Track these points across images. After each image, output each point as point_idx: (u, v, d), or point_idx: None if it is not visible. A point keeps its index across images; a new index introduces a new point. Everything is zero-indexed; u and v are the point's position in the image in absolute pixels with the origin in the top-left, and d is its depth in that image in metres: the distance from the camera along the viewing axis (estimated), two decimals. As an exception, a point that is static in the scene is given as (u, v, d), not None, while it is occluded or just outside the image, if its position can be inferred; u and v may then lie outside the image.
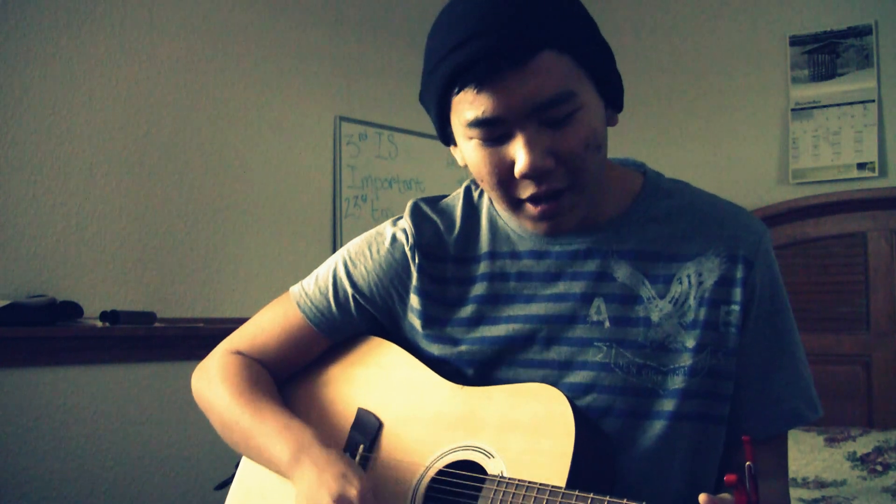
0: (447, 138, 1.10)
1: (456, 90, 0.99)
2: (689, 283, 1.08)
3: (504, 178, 1.02)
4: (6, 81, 2.50)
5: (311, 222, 3.28)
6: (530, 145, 0.98)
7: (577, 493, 0.93)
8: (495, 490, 1.00)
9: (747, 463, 0.80)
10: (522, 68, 0.95)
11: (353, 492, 1.02)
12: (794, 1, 3.51)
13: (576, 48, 0.98)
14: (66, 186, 2.61)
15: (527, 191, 1.02)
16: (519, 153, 0.99)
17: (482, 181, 1.05)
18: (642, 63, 3.80)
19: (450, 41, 0.98)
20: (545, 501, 0.94)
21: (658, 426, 1.05)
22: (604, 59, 1.03)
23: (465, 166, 1.10)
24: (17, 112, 2.52)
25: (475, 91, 0.97)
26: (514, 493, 0.98)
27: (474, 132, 1.01)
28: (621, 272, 1.10)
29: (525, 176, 1.00)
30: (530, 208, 1.04)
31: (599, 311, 1.09)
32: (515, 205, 1.05)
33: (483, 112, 0.98)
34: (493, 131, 1.00)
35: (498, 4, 0.96)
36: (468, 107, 0.99)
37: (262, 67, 3.15)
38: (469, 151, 1.04)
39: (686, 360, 1.06)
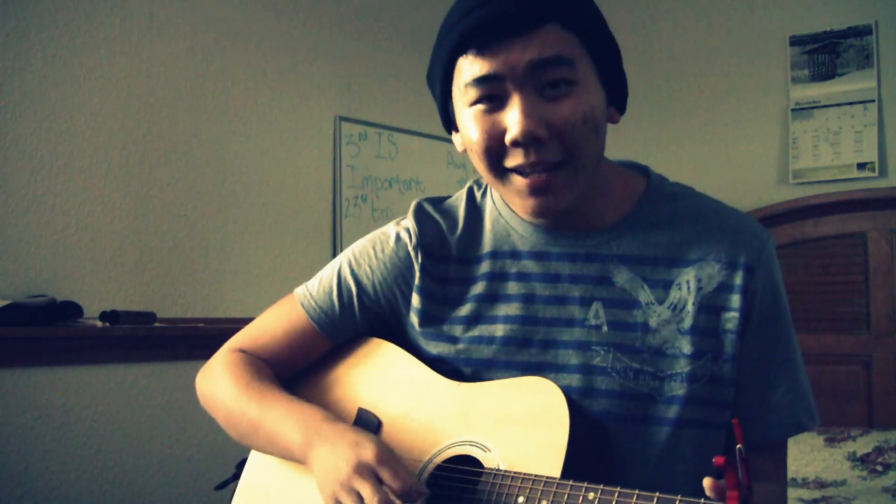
0: (449, 122, 1.11)
1: (462, 54, 1.01)
2: (688, 288, 1.08)
3: (494, 146, 1.03)
4: (6, 81, 2.50)
5: (311, 222, 3.29)
6: (525, 112, 0.99)
7: (571, 482, 0.93)
8: (491, 483, 1.00)
9: (738, 446, 0.80)
10: (527, 36, 0.98)
11: (368, 455, 1.02)
12: (794, 1, 3.51)
13: (582, 28, 1.00)
14: (66, 186, 2.61)
15: (517, 160, 1.02)
16: (512, 119, 1.00)
17: (472, 151, 1.06)
18: (642, 63, 3.80)
19: (459, 11, 1.01)
20: (540, 492, 0.95)
21: (659, 432, 1.05)
22: (610, 51, 1.04)
23: (464, 152, 1.10)
24: (17, 112, 2.52)
25: (478, 53, 1.00)
26: (509, 485, 0.98)
27: (472, 92, 1.02)
28: (621, 277, 1.10)
29: (516, 143, 1.00)
30: (519, 180, 1.03)
31: (598, 314, 1.10)
32: (503, 175, 1.05)
33: (483, 70, 1.00)
34: (491, 89, 1.01)
35: None
36: (469, 68, 1.01)
37: (262, 67, 3.15)
38: (467, 121, 1.05)
39: (684, 366, 1.06)
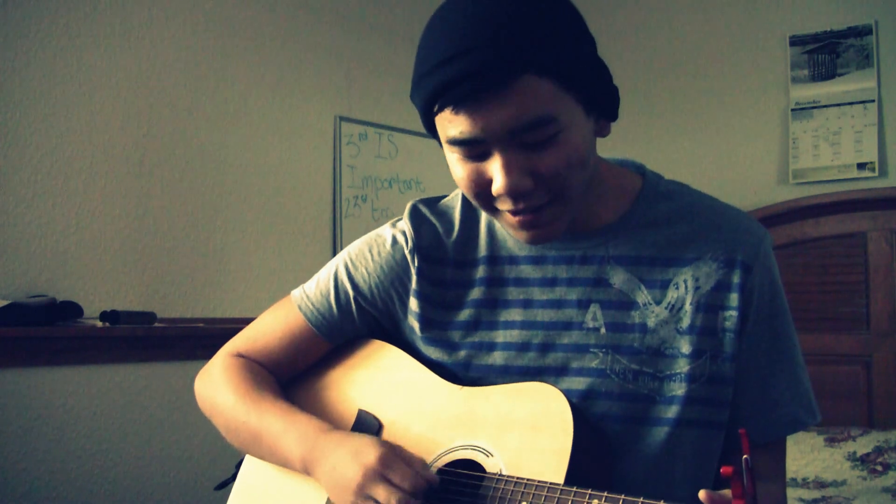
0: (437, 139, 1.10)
1: (436, 108, 0.98)
2: (686, 288, 1.08)
3: (483, 192, 1.02)
4: (6, 81, 2.50)
5: (311, 222, 3.29)
6: (507, 167, 0.97)
7: (575, 488, 0.93)
8: (493, 488, 1.00)
9: (744, 456, 0.80)
10: (501, 92, 0.93)
11: (371, 459, 1.03)
12: (794, 1, 3.51)
13: (558, 71, 0.95)
14: (66, 186, 2.61)
15: (505, 205, 1.01)
16: (496, 174, 0.98)
17: (463, 190, 1.06)
18: (642, 63, 3.80)
19: (433, 57, 0.96)
20: (543, 498, 0.95)
21: (658, 432, 1.05)
22: (591, 77, 0.99)
23: None
24: (17, 112, 2.52)
25: (454, 112, 0.96)
26: (512, 491, 0.98)
27: (454, 148, 1.00)
28: (617, 278, 1.10)
29: (501, 196, 0.99)
30: (510, 218, 1.03)
31: (595, 317, 1.09)
32: (495, 213, 1.05)
33: (461, 132, 0.97)
34: (472, 150, 0.99)
35: (481, 24, 0.94)
36: (448, 125, 0.98)
37: (262, 67, 3.15)
38: (451, 162, 1.04)
39: (683, 366, 1.06)
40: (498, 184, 0.98)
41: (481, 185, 1.01)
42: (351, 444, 1.06)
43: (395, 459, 1.03)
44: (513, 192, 0.98)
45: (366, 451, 1.04)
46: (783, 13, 3.52)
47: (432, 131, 1.06)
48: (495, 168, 0.98)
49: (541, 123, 0.95)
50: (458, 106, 0.95)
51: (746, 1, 3.61)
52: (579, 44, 0.98)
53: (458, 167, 1.02)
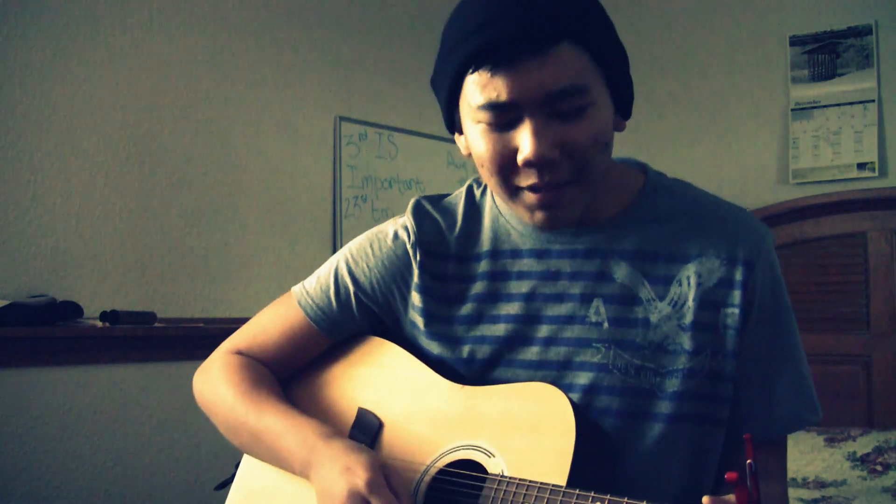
0: (452, 125, 1.10)
1: (471, 70, 0.99)
2: (689, 284, 1.08)
3: (506, 165, 1.02)
4: (6, 81, 2.50)
5: (311, 222, 3.28)
6: (537, 134, 0.98)
7: (577, 491, 0.93)
8: (496, 489, 1.00)
9: (748, 461, 0.80)
10: (540, 56, 0.95)
11: (359, 482, 1.01)
12: (794, 1, 3.51)
13: (594, 45, 0.99)
14: (66, 186, 2.61)
15: (528, 180, 1.01)
16: (525, 141, 0.99)
17: (482, 167, 1.05)
18: (642, 63, 3.80)
19: (471, 23, 0.98)
20: (546, 500, 0.94)
21: (656, 428, 1.05)
22: (620, 63, 1.03)
23: (469, 156, 1.09)
24: (17, 112, 2.51)
25: (490, 74, 0.97)
26: (514, 492, 0.97)
27: (483, 115, 1.00)
28: (621, 273, 1.10)
29: (528, 164, 0.99)
30: (529, 196, 1.03)
31: (598, 311, 1.09)
32: (514, 192, 1.04)
33: (497, 95, 0.98)
34: (503, 116, 0.99)
35: None
36: (481, 89, 0.99)
37: (262, 67, 3.15)
38: (474, 136, 1.04)
39: (685, 362, 1.06)
40: (526, 150, 0.99)
41: (505, 158, 1.01)
42: (346, 459, 1.05)
43: (381, 486, 1.01)
44: (539, 161, 0.98)
45: (357, 471, 1.02)
46: (783, 13, 3.52)
47: (452, 109, 1.06)
48: (524, 135, 0.99)
49: (575, 91, 0.97)
50: (497, 67, 0.97)
51: (746, 1, 3.61)
52: (610, 25, 1.03)
53: (483, 139, 1.02)
